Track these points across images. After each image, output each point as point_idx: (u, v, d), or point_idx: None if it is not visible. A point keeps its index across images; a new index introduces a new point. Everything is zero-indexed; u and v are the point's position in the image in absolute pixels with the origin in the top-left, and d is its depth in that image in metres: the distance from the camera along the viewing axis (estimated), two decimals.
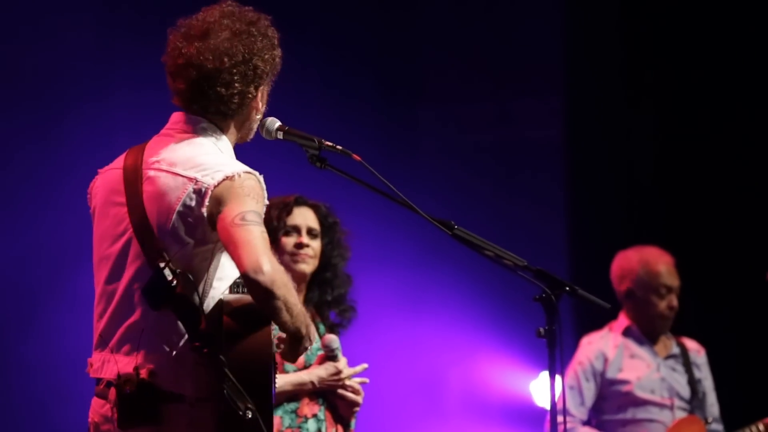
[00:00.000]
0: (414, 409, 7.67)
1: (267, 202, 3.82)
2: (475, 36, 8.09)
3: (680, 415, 6.63)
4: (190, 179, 3.77)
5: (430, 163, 7.86)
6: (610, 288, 6.81)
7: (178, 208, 3.75)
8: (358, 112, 7.38)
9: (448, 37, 8.07)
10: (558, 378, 4.20)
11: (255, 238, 3.62)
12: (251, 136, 4.05)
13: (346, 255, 5.51)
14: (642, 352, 6.71)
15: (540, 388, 7.66)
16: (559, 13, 8.33)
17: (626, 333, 6.74)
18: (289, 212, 5.43)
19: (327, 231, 5.51)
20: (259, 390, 3.65)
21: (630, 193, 8.32)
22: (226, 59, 3.87)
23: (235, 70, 3.88)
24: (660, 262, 6.72)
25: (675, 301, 6.70)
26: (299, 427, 5.19)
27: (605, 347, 6.69)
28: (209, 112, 3.92)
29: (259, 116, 4.03)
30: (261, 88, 3.96)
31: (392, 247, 7.16)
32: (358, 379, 5.30)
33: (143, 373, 3.70)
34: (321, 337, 5.27)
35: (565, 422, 4.22)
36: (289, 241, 5.40)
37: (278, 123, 4.13)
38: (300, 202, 5.50)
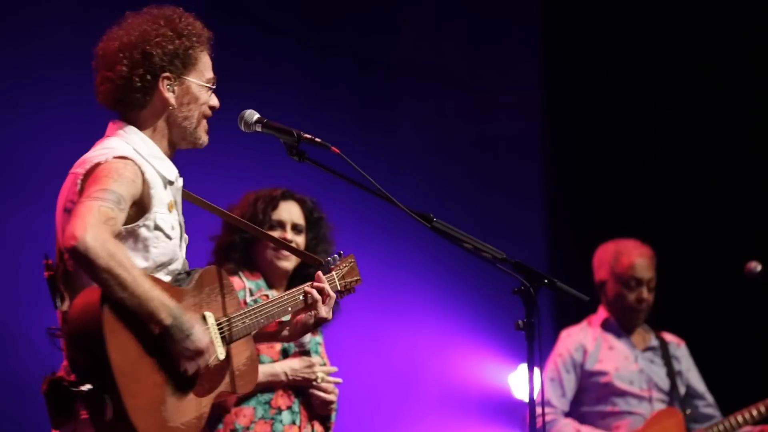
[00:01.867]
0: (391, 402, 7.66)
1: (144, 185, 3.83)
2: (453, 28, 8.08)
3: (659, 407, 6.64)
4: (77, 175, 3.84)
5: (408, 155, 7.85)
6: (588, 280, 6.83)
7: (66, 205, 3.85)
8: (336, 104, 7.37)
9: (427, 29, 8.06)
10: (537, 370, 4.20)
11: (87, 210, 3.65)
12: (199, 140, 4.04)
13: (331, 250, 5.43)
14: (619, 344, 6.73)
15: (518, 381, 7.66)
16: (536, 7, 8.34)
17: (604, 325, 6.76)
18: (274, 207, 5.40)
19: (312, 226, 5.48)
20: (98, 367, 3.61)
21: (608, 185, 8.33)
22: (116, 44, 3.96)
23: (121, 54, 3.94)
24: (633, 254, 6.73)
25: (645, 294, 6.71)
26: (272, 419, 5.18)
27: (584, 339, 6.71)
28: (119, 104, 3.97)
29: (189, 113, 4.00)
30: (166, 77, 3.96)
31: (370, 239, 7.14)
32: (332, 379, 5.29)
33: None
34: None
35: (543, 414, 4.22)
36: (277, 235, 5.34)
37: (257, 115, 4.13)
38: (286, 196, 5.46)
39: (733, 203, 8.14)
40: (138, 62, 3.95)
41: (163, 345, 3.73)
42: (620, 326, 6.76)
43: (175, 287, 3.87)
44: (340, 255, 4.50)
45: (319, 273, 4.29)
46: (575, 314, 6.87)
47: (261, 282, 5.35)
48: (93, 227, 3.60)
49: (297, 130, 4.11)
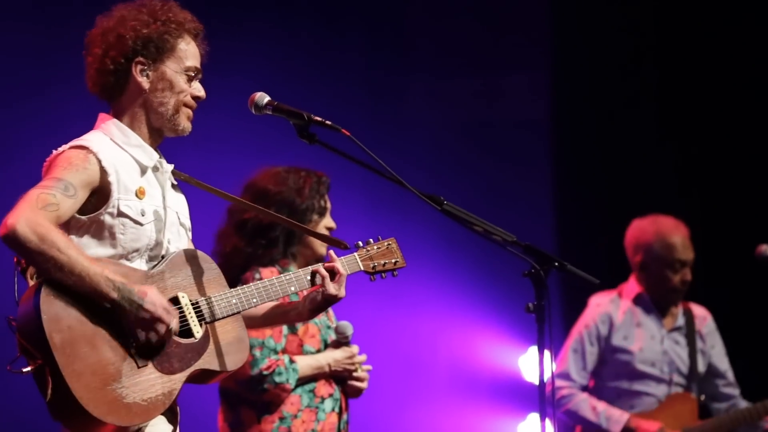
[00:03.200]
0: (402, 386, 7.66)
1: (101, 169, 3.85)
2: (463, 9, 8.06)
3: (676, 390, 6.60)
4: (43, 167, 3.94)
5: (418, 137, 7.84)
6: (597, 262, 6.79)
7: None
8: (346, 86, 7.35)
9: (438, 8, 8.03)
10: (547, 353, 4.19)
11: (24, 199, 3.73)
12: (179, 126, 4.03)
13: None
14: (648, 321, 6.64)
15: (529, 364, 7.66)
16: None
17: (636, 300, 6.67)
18: (323, 193, 5.35)
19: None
20: (41, 345, 3.66)
21: (617, 166, 8.31)
22: (99, 30, 4.02)
23: (99, 38, 4.00)
24: (675, 234, 6.63)
25: (689, 275, 6.63)
26: (317, 407, 5.19)
27: (613, 311, 6.63)
28: (100, 90, 4.02)
29: (164, 99, 4.00)
30: (139, 62, 3.98)
31: (380, 221, 7.14)
32: (366, 367, 5.31)
33: None
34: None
35: (554, 388, 4.23)
36: (317, 221, 5.34)
37: (267, 98, 4.12)
38: (329, 186, 5.41)
39: (748, 183, 8.13)
40: (111, 45, 3.99)
41: (116, 321, 3.76)
42: (654, 304, 6.68)
43: (137, 271, 3.89)
44: (378, 239, 4.50)
45: (331, 252, 4.30)
46: (584, 297, 6.84)
47: (291, 269, 5.26)
48: (24, 213, 3.68)
49: (307, 113, 4.10)
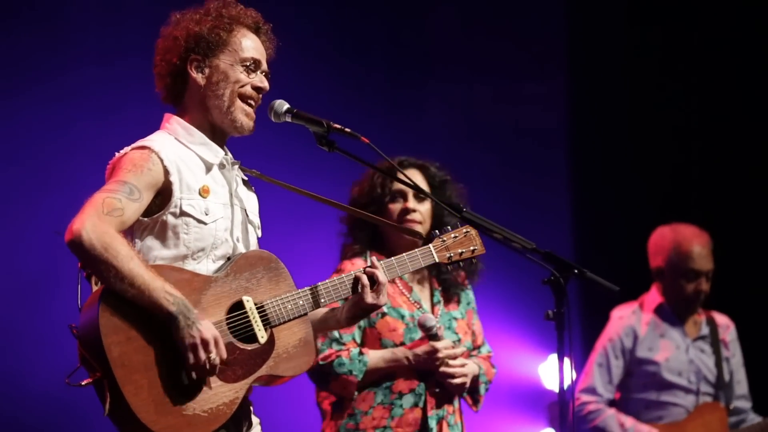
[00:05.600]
0: None
1: (162, 169, 3.85)
2: (481, 18, 8.06)
3: (705, 400, 6.56)
4: (107, 169, 3.95)
5: (436, 142, 7.83)
6: (616, 270, 6.76)
7: None
8: (363, 93, 7.35)
9: (455, 19, 8.04)
10: (567, 360, 4.18)
11: (90, 203, 3.71)
12: (236, 121, 4.02)
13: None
14: (672, 331, 6.60)
15: (549, 371, 7.64)
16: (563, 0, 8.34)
17: (658, 311, 6.63)
18: (380, 181, 5.27)
19: (436, 190, 5.32)
20: (99, 356, 3.64)
21: (635, 174, 8.30)
22: (159, 39, 4.08)
23: (159, 45, 4.06)
24: (694, 243, 6.56)
25: (705, 285, 6.57)
26: (392, 404, 5.08)
27: (636, 324, 6.59)
28: (166, 94, 4.07)
29: (220, 92, 4.00)
30: (194, 59, 4.00)
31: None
32: (457, 362, 5.13)
33: None
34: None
35: (573, 402, 4.21)
36: (395, 208, 5.28)
37: (287, 105, 4.12)
38: (405, 164, 5.33)
39: (759, 190, 8.12)
40: (167, 49, 4.03)
41: (170, 335, 3.72)
42: (674, 314, 6.64)
43: (199, 276, 3.85)
44: (457, 225, 4.43)
45: (374, 259, 4.21)
46: (604, 304, 6.82)
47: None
48: (90, 219, 3.66)
49: (327, 120, 4.10)
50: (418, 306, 5.22)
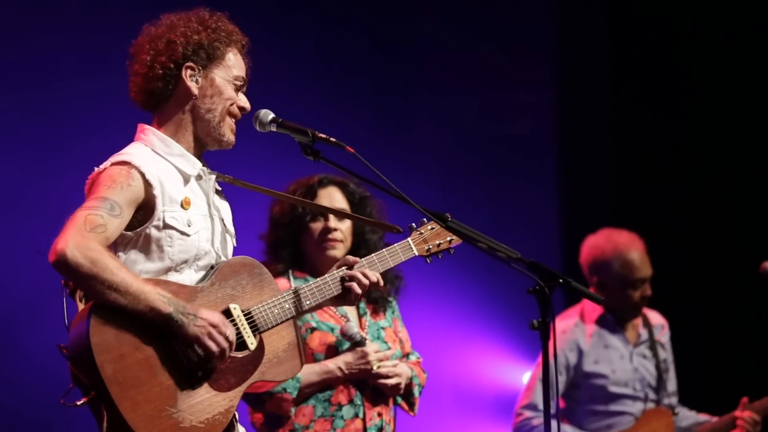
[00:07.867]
0: None
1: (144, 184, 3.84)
2: (468, 27, 8.08)
3: (651, 406, 6.57)
4: (86, 184, 3.93)
5: (423, 155, 7.85)
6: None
7: None
8: (351, 103, 7.36)
9: (445, 27, 8.05)
10: (552, 370, 4.19)
11: (71, 222, 3.69)
12: (224, 137, 4.03)
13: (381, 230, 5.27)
14: (614, 340, 6.59)
15: None
16: (551, 10, 8.35)
17: (600, 322, 6.62)
18: (313, 196, 5.24)
19: (357, 208, 5.31)
20: (93, 375, 3.64)
21: (623, 183, 8.33)
22: (145, 38, 4.02)
23: (147, 45, 3.98)
24: (632, 251, 6.55)
25: (648, 290, 6.58)
26: (332, 416, 5.07)
27: (580, 337, 6.57)
28: (146, 97, 4.00)
29: (213, 106, 3.99)
30: (189, 67, 3.97)
31: (385, 236, 7.15)
32: (389, 363, 5.14)
33: None
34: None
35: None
36: (316, 227, 5.25)
37: (272, 115, 4.12)
38: (324, 182, 5.31)
39: (747, 198, 8.14)
40: (161, 51, 3.98)
41: (169, 342, 3.72)
42: (616, 322, 6.62)
43: (185, 287, 3.86)
44: (425, 221, 4.45)
45: (355, 258, 4.25)
46: None
47: (309, 279, 5.16)
48: (73, 238, 3.64)
49: (312, 130, 4.09)
50: (346, 320, 5.21)
